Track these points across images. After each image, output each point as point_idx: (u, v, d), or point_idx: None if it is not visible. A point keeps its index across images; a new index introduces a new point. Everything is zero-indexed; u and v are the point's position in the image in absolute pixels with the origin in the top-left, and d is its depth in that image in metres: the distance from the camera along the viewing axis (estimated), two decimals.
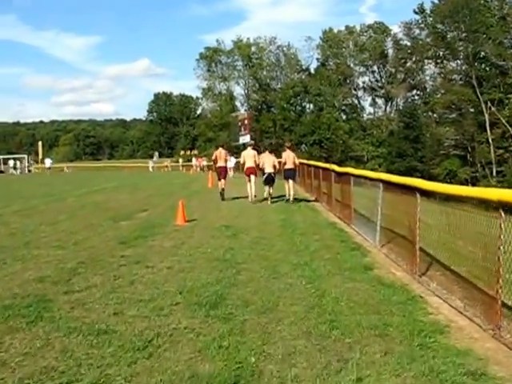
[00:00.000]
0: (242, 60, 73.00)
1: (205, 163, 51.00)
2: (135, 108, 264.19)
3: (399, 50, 68.69)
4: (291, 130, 68.45)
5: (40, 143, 73.79)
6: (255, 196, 15.95)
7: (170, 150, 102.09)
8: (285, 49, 73.80)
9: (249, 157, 16.16)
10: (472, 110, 56.21)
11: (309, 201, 16.92)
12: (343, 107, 71.77)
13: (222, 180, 16.66)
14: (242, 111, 58.07)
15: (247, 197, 16.14)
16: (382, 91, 70.65)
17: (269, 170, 15.79)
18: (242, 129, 45.63)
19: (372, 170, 56.44)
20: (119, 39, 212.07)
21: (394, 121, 66.56)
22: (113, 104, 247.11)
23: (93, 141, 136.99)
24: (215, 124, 69.95)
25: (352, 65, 72.77)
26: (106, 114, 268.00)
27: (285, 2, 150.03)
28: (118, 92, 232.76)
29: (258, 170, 16.18)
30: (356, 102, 73.63)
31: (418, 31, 66.68)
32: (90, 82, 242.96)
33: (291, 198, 15.71)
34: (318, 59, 74.72)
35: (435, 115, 61.19)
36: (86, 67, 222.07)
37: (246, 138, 40.58)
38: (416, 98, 68.74)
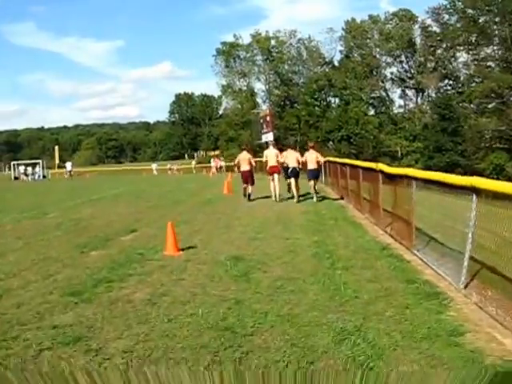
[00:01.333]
0: (261, 54, 69.52)
1: (223, 164, 47.92)
2: (159, 110, 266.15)
3: (428, 37, 64.22)
4: (317, 126, 64.77)
5: (57, 148, 71.45)
6: (280, 195, 15.70)
7: (194, 150, 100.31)
8: (306, 42, 70.37)
9: (271, 156, 15.85)
10: None
11: (335, 199, 16.25)
12: (371, 100, 67.53)
13: (248, 185, 16.20)
14: (264, 108, 54.61)
15: (269, 197, 16.00)
16: (412, 82, 66.24)
17: (292, 164, 15.40)
18: (265, 126, 43.60)
19: (409, 166, 52.53)
20: (140, 43, 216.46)
21: (428, 113, 62.22)
22: (137, 107, 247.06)
23: (115, 144, 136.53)
24: (236, 122, 66.72)
25: (378, 55, 68.57)
26: (130, 117, 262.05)
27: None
28: (142, 95, 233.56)
29: (281, 168, 15.94)
30: (384, 94, 69.18)
31: (447, 16, 62.25)
32: (114, 86, 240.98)
33: (315, 198, 15.43)
34: (341, 51, 70.98)
35: (472, 105, 56.50)
36: (109, 71, 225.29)
37: (269, 136, 38.11)
38: (449, 87, 64.17)
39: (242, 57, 70.23)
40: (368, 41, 68.84)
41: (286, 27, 69.91)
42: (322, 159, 16.11)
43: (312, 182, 15.55)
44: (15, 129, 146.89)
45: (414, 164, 55.62)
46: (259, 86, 72.02)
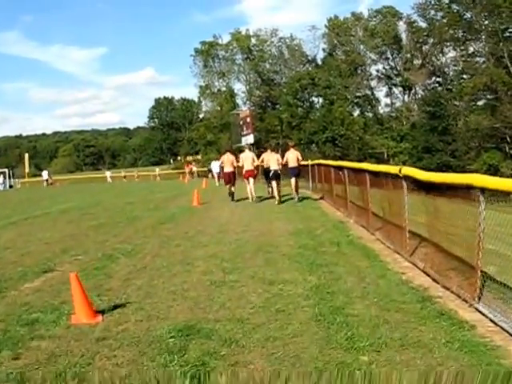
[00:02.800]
0: (241, 53, 65.98)
1: (194, 169, 45.39)
2: (140, 116, 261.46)
3: (414, 32, 61.13)
4: (300, 127, 61.57)
5: (27, 155, 67.62)
6: (256, 197, 15.76)
7: (174, 156, 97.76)
8: (287, 40, 66.97)
9: (247, 159, 15.80)
10: (509, 93, 48.42)
11: (316, 199, 16.33)
12: (356, 100, 64.38)
13: (231, 186, 16.16)
14: (244, 109, 51.26)
15: (247, 198, 15.82)
16: (399, 79, 63.26)
17: (274, 167, 15.32)
18: (245, 128, 40.82)
19: None
20: (123, 49, 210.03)
21: (416, 111, 59.39)
22: (118, 113, 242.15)
23: (93, 150, 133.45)
24: (215, 125, 63.28)
25: (363, 52, 65.37)
26: (110, 124, 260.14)
27: (284, 7, 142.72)
28: (123, 101, 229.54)
29: (257, 171, 16.36)
30: (369, 93, 66.04)
31: (433, 12, 59.50)
32: (95, 93, 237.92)
33: (296, 199, 15.47)
34: (324, 49, 67.74)
35: (463, 102, 53.51)
36: (91, 78, 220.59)
37: (249, 139, 36.57)
38: (437, 84, 61.12)
39: (221, 56, 66.85)
40: (352, 38, 65.65)
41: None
42: (301, 158, 16.02)
43: (293, 179, 15.60)
44: None
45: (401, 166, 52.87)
46: (239, 87, 68.82)
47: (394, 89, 64.27)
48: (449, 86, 57.32)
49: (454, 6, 57.75)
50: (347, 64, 63.23)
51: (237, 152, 26.83)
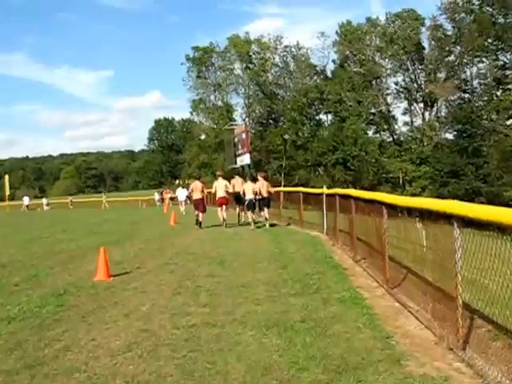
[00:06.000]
0: (239, 61, 57.85)
1: (169, 196, 41.30)
2: (146, 139, 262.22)
3: (439, 39, 52.81)
4: (306, 147, 53.55)
5: (7, 177, 61.17)
6: (225, 222, 16.20)
7: (174, 178, 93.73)
8: (293, 49, 58.87)
9: (220, 187, 16.51)
10: None
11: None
12: (371, 117, 56.17)
13: (199, 213, 16.65)
14: (240, 123, 43.62)
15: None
16: (419, 93, 55.01)
17: (249, 196, 16.11)
18: (240, 146, 34.55)
19: (413, 195, 41.18)
20: (129, 73, 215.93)
21: (440, 130, 51.24)
22: (126, 136, 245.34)
23: (95, 173, 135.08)
24: (209, 145, 55.58)
25: (379, 62, 57.15)
26: (119, 147, 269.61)
27: (292, 30, 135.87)
28: (131, 124, 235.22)
29: (229, 199, 16.99)
30: (385, 110, 57.70)
31: (462, 15, 51.58)
32: (104, 116, 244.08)
33: (267, 225, 16.18)
34: (334, 61, 59.95)
35: (495, 120, 45.29)
36: (99, 101, 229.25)
37: (245, 159, 32.99)
38: (462, 100, 52.67)
39: (217, 66, 58.82)
40: (367, 46, 57.78)
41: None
42: (271, 189, 17.19)
43: (265, 210, 16.42)
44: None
45: (420, 192, 44.71)
46: (237, 101, 61.04)
47: (415, 105, 55.86)
48: (479, 102, 49.18)
49: (487, 8, 50.30)
50: (361, 76, 55.25)
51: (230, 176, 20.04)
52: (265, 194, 16.33)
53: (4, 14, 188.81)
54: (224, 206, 16.35)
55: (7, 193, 58.65)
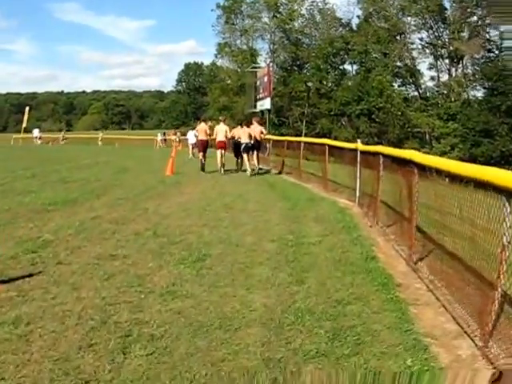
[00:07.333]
0: (267, 10, 57.44)
1: (174, 138, 40.52)
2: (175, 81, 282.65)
3: (461, 1, 51.04)
4: (330, 96, 52.69)
5: (27, 109, 59.85)
6: (224, 168, 17.20)
7: (196, 120, 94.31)
8: (320, 4, 58.33)
9: (220, 131, 17.31)
10: None
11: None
12: (396, 69, 54.96)
13: (202, 153, 17.80)
14: (263, 66, 42.62)
15: None
16: (444, 50, 53.52)
17: (245, 140, 16.68)
18: (261, 90, 33.05)
19: (443, 153, 40.16)
20: (170, 23, 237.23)
21: (466, 87, 49.98)
22: (159, 78, 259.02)
23: (122, 110, 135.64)
24: (231, 87, 54.94)
25: (403, 19, 55.78)
26: (150, 87, 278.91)
27: None
28: (164, 67, 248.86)
29: (228, 144, 18.04)
30: (411, 64, 56.34)
31: None
32: (140, 59, 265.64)
33: (256, 170, 17.27)
34: (358, 16, 58.96)
35: None
36: (138, 45, 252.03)
37: (265, 103, 32.27)
38: (488, 59, 51.15)
39: (245, 13, 58.86)
40: (390, 5, 56.19)
41: None
42: (264, 135, 18.08)
43: (255, 154, 17.31)
44: (35, 91, 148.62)
45: (450, 151, 43.85)
46: (262, 46, 60.61)
47: (440, 60, 54.44)
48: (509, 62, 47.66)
49: None
50: (385, 30, 53.92)
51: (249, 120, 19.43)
52: (257, 138, 17.09)
53: None
54: (223, 151, 17.23)
55: (24, 125, 58.49)
